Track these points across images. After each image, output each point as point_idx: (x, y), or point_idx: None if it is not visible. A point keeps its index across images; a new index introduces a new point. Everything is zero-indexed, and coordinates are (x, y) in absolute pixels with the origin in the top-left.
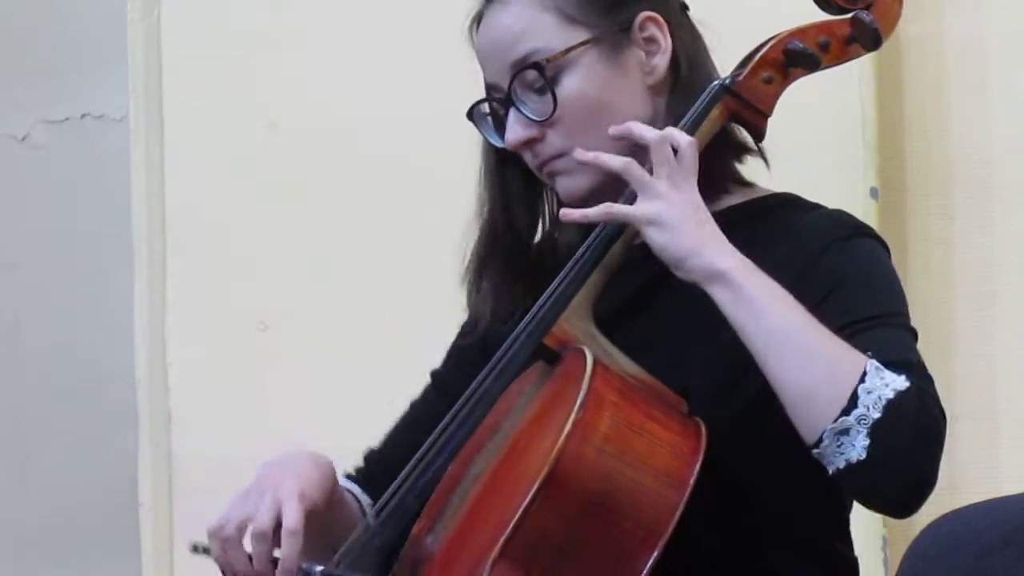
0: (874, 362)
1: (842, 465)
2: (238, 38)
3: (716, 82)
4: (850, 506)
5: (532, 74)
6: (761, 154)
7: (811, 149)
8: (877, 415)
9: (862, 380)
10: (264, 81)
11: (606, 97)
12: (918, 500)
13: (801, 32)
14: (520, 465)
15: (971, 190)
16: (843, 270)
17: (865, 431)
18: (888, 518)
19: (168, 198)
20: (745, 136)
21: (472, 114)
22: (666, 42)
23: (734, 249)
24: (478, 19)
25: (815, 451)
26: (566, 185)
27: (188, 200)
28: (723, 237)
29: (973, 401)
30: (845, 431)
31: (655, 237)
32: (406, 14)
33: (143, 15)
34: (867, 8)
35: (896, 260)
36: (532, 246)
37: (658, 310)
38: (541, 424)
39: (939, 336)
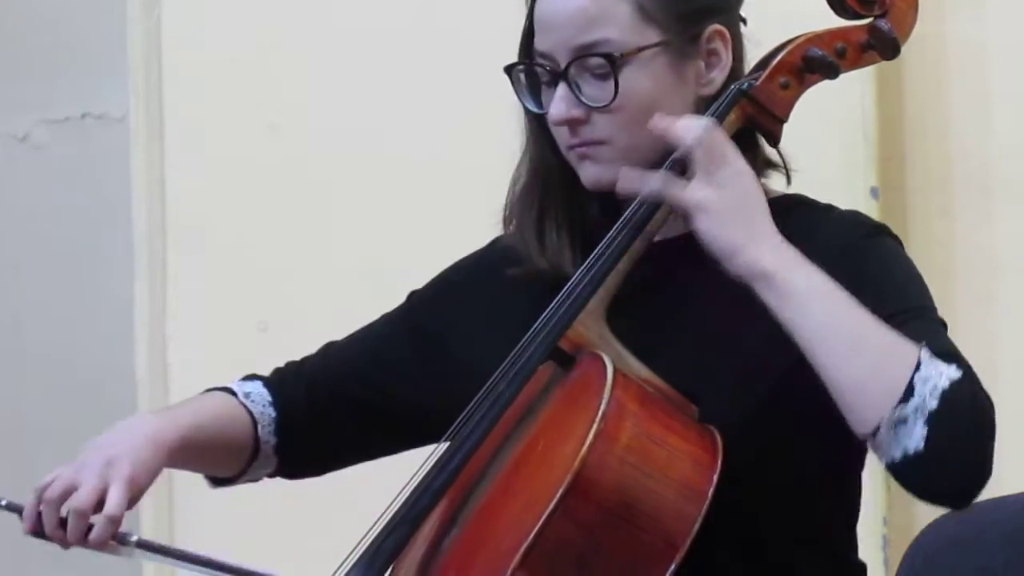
0: (927, 351)
1: (899, 456)
2: (238, 38)
3: (733, 86)
4: (858, 511)
5: (598, 61)
6: (786, 169)
7: (811, 149)
8: (935, 404)
9: (917, 369)
10: (264, 81)
11: (663, 100)
12: (975, 491)
13: (818, 38)
14: (538, 472)
15: (971, 190)
16: (867, 270)
17: (923, 420)
18: (888, 518)
19: (168, 198)
20: (770, 152)
21: (510, 71)
22: (727, 58)
23: (781, 241)
24: None
25: (871, 440)
26: (593, 172)
27: (188, 200)
28: (773, 228)
29: None
30: (903, 420)
31: (703, 225)
32: (407, 15)
33: (143, 15)
34: (883, 15)
35: None
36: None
37: (668, 310)
38: (559, 430)
39: None
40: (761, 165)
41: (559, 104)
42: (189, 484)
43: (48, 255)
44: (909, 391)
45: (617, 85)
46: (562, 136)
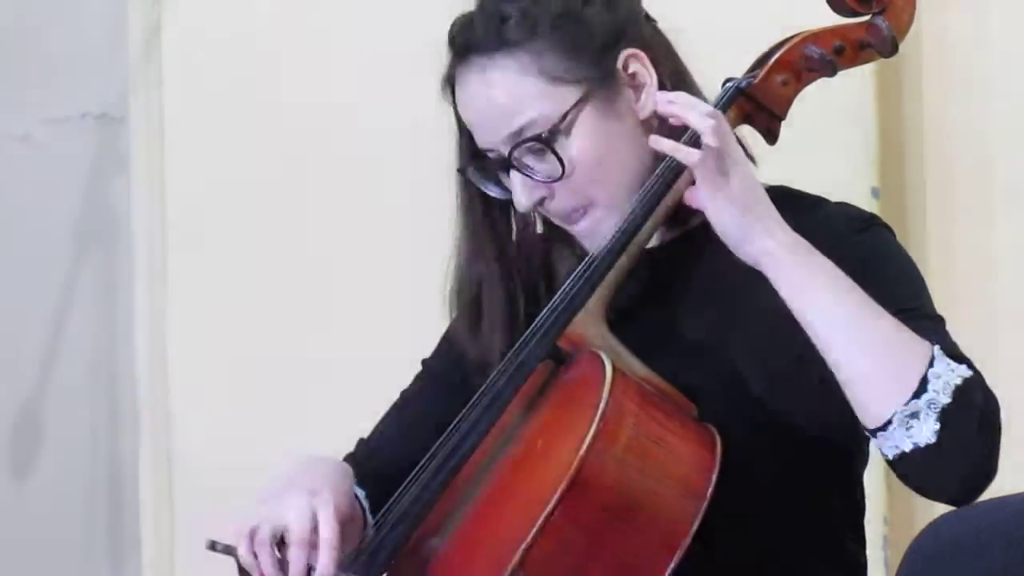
0: (938, 347)
1: (909, 448)
2: (238, 38)
3: (731, 84)
4: (860, 510)
5: (534, 144)
6: (750, 158)
7: (812, 148)
8: (947, 400)
9: (931, 365)
10: (264, 81)
11: (608, 148)
12: (979, 488)
13: (816, 36)
14: (537, 472)
15: (971, 190)
16: (862, 267)
17: (935, 415)
18: (888, 517)
19: (168, 198)
20: (743, 139)
21: (463, 173)
22: (651, 76)
23: (791, 231)
24: (451, 81)
25: (880, 434)
26: (592, 245)
27: (188, 200)
28: (781, 219)
29: None
30: (915, 415)
31: (716, 208)
32: (406, 15)
33: (143, 15)
34: (881, 12)
35: None
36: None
37: (667, 310)
38: (558, 429)
39: None
40: None
41: (520, 193)
42: (189, 484)
43: (48, 255)
44: (923, 386)
45: (559, 157)
46: (545, 214)
